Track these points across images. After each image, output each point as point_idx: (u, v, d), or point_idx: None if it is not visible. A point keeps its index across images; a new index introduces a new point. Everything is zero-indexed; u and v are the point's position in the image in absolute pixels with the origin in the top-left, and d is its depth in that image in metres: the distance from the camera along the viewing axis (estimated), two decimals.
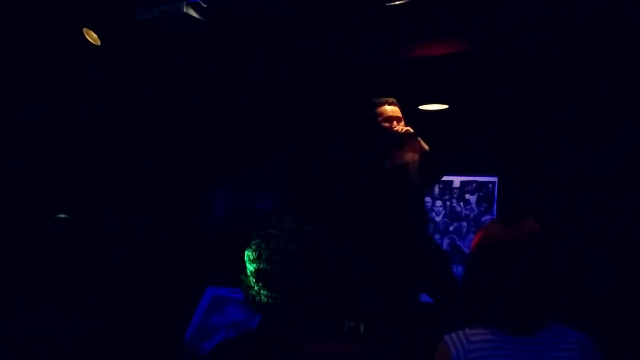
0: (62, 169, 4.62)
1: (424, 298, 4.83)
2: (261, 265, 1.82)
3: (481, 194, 4.75)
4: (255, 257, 1.85)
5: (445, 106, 4.90)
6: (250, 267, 1.85)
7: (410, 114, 4.96)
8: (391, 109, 3.89)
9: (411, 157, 3.86)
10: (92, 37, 4.01)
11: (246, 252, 1.89)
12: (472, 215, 4.77)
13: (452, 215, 4.83)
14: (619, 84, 4.21)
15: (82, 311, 3.81)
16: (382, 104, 3.90)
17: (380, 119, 3.87)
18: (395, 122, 3.85)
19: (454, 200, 4.83)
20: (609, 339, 2.23)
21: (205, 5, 3.62)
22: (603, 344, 2.03)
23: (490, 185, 4.72)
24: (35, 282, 3.73)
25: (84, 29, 3.99)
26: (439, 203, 4.87)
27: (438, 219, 4.86)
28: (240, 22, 4.02)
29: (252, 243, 1.87)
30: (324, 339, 1.80)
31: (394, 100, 3.95)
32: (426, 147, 3.82)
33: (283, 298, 1.81)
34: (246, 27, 4.09)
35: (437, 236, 4.84)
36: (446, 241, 4.83)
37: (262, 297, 1.84)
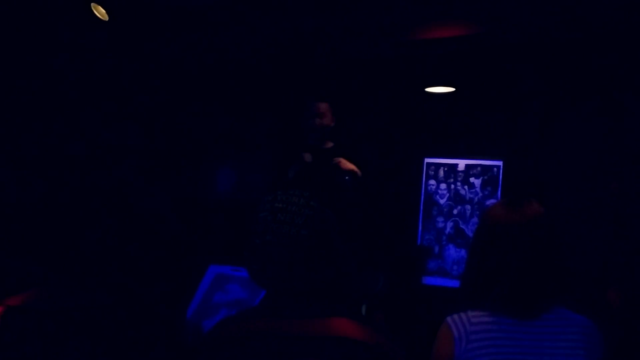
0: (64, 148, 4.62)
1: (428, 281, 4.85)
2: (268, 238, 1.82)
3: (486, 177, 4.74)
4: (261, 230, 1.84)
5: (452, 89, 4.88)
6: (256, 240, 1.84)
7: (417, 97, 4.99)
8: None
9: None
10: (100, 12, 4.00)
11: (251, 227, 1.88)
12: (476, 199, 4.77)
13: (456, 198, 4.83)
14: (625, 69, 4.20)
15: (85, 285, 3.82)
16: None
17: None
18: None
19: (458, 184, 4.82)
20: (609, 323, 2.24)
21: None
22: (603, 327, 2.03)
23: (495, 169, 4.72)
24: (43, 256, 3.74)
25: (92, 4, 3.98)
26: (443, 186, 4.87)
27: (442, 201, 4.86)
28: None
29: (259, 216, 1.86)
30: (328, 318, 1.79)
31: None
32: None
33: (287, 272, 1.81)
34: (249, 5, 4.08)
35: (440, 219, 4.85)
36: (450, 224, 4.83)
37: (268, 271, 1.83)
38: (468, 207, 4.80)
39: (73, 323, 2.94)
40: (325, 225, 1.85)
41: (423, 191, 4.93)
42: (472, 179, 4.79)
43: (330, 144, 4.55)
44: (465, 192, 4.81)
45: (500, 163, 4.71)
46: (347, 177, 4.24)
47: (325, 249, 1.83)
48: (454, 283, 4.68)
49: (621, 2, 3.65)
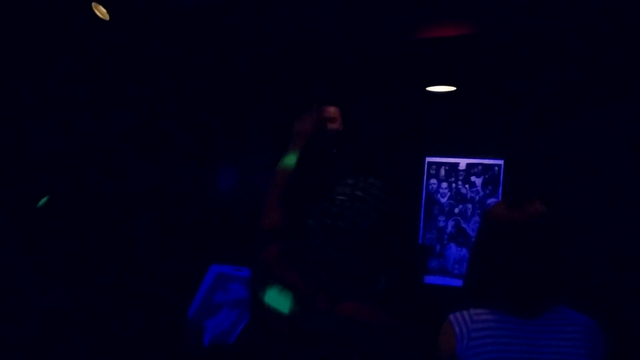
0: (63, 149, 4.62)
1: (429, 280, 4.85)
2: (340, 224, 1.85)
3: (487, 176, 4.75)
4: (336, 213, 1.87)
5: (453, 88, 4.88)
6: (327, 220, 1.87)
7: (418, 96, 4.98)
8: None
9: None
10: (101, 11, 4.00)
11: (325, 205, 1.90)
12: (477, 198, 4.77)
13: (457, 197, 4.83)
14: (630, 68, 4.20)
15: (87, 285, 3.83)
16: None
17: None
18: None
19: (459, 182, 4.83)
20: (613, 323, 2.24)
21: None
22: (607, 327, 2.04)
23: (496, 168, 4.72)
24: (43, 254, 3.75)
25: (93, 3, 3.98)
26: (444, 185, 4.87)
27: (443, 200, 4.87)
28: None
29: (337, 198, 1.89)
30: (361, 304, 1.84)
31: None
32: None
33: (345, 259, 1.85)
34: (250, 2, 4.08)
35: (441, 218, 4.85)
36: (451, 223, 4.83)
37: (327, 252, 1.87)
38: (469, 206, 4.80)
39: (76, 322, 2.95)
40: (395, 224, 1.89)
41: (424, 190, 4.93)
42: (473, 178, 4.79)
43: (335, 149, 4.55)
44: (467, 191, 4.81)
45: (501, 162, 4.71)
46: (334, 150, 4.20)
47: (388, 246, 1.88)
48: (456, 282, 4.68)
49: (623, 2, 3.65)
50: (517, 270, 1.97)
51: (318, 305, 1.85)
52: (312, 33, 4.49)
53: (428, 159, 4.93)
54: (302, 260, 1.93)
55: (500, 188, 4.71)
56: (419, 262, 4.87)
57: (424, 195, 4.93)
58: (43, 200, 3.60)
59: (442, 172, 4.89)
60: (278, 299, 1.89)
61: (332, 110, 4.44)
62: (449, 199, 4.86)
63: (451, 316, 2.02)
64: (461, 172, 4.83)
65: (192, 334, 3.88)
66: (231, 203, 5.37)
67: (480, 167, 4.78)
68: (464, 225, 4.79)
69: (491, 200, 4.69)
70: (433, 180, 4.91)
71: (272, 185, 2.22)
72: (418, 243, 4.90)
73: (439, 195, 4.88)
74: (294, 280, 1.89)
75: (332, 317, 1.81)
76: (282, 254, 1.98)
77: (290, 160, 2.21)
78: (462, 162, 4.84)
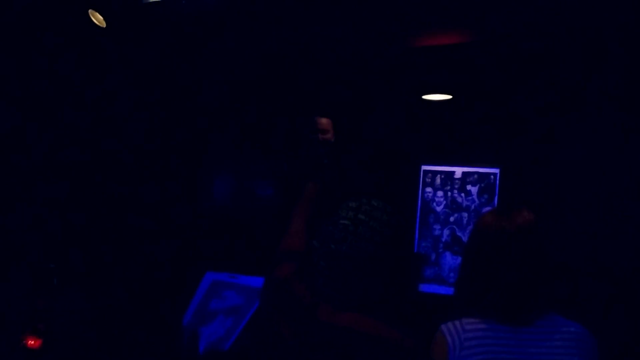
0: (61, 153, 4.62)
1: (424, 288, 4.85)
2: (344, 248, 1.86)
3: (483, 185, 4.75)
4: (340, 238, 1.88)
5: (448, 96, 4.89)
6: (332, 245, 1.89)
7: (414, 104, 4.99)
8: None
9: None
10: (97, 18, 4.01)
11: (329, 229, 1.92)
12: (473, 206, 4.77)
13: (453, 205, 4.83)
14: (626, 78, 4.20)
15: (82, 292, 3.83)
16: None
17: None
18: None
19: (455, 191, 4.83)
20: (604, 331, 2.25)
21: None
22: (598, 334, 2.04)
23: (492, 176, 4.72)
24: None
25: (90, 11, 3.99)
26: (440, 193, 4.87)
27: (439, 209, 4.87)
28: (243, 6, 4.02)
29: (340, 222, 1.91)
30: (362, 316, 1.86)
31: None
32: None
33: (350, 283, 1.87)
34: (247, 11, 4.09)
35: (437, 226, 4.85)
36: (446, 232, 4.83)
37: (332, 276, 1.89)
38: (465, 214, 4.80)
39: (71, 327, 2.95)
40: (399, 247, 1.92)
41: (420, 198, 4.93)
42: (468, 187, 4.79)
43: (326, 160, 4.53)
44: (462, 200, 4.81)
45: (497, 171, 4.71)
46: (326, 161, 4.20)
47: (392, 269, 1.90)
48: (451, 290, 4.66)
49: (620, 15, 3.66)
50: (506, 278, 1.98)
51: (319, 315, 1.87)
52: (307, 42, 4.49)
53: (424, 167, 4.93)
54: (311, 277, 1.97)
55: (496, 197, 4.72)
56: (414, 271, 4.87)
57: (419, 203, 4.93)
58: None
59: (438, 180, 4.89)
60: None
61: (324, 122, 4.43)
62: (444, 207, 4.86)
63: (443, 326, 2.03)
64: (457, 181, 4.83)
65: (187, 341, 3.87)
66: (227, 210, 5.37)
67: (476, 176, 4.78)
68: (459, 233, 4.79)
69: (487, 209, 4.69)
70: (429, 189, 4.91)
71: (296, 215, 2.33)
72: (413, 251, 4.90)
73: (434, 203, 4.88)
74: (300, 292, 1.93)
75: (332, 327, 1.83)
76: (295, 271, 2.04)
77: None
78: (458, 171, 4.84)
